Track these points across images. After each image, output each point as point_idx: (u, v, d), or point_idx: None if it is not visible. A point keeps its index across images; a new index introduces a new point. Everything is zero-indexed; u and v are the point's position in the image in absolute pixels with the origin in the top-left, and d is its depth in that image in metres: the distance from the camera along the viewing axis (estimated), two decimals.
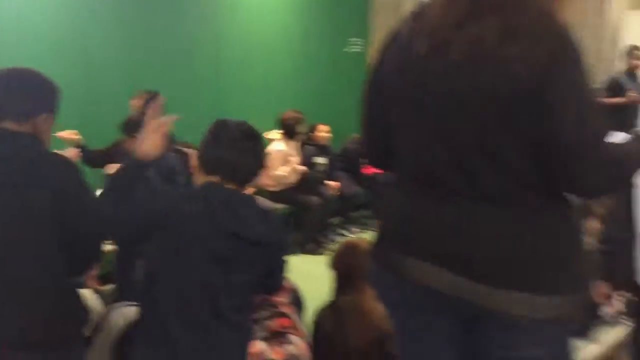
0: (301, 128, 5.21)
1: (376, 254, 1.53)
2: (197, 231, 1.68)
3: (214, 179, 1.75)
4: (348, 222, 5.57)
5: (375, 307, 2.07)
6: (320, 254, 4.86)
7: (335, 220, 5.51)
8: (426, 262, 1.37)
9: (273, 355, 2.03)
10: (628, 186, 2.27)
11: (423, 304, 1.44)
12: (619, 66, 6.32)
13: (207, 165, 1.78)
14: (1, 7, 4.04)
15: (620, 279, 2.77)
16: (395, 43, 1.45)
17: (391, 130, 1.47)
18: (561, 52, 1.26)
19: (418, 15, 1.43)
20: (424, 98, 1.37)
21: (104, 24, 4.50)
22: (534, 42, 1.25)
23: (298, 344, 2.08)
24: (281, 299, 2.16)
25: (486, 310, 1.33)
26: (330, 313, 2.23)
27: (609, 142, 1.31)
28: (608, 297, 3.11)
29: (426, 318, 1.47)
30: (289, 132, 5.11)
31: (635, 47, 6.17)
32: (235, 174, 1.76)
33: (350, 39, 6.22)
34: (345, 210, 5.61)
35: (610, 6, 6.59)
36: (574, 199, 1.40)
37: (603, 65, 6.30)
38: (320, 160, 5.48)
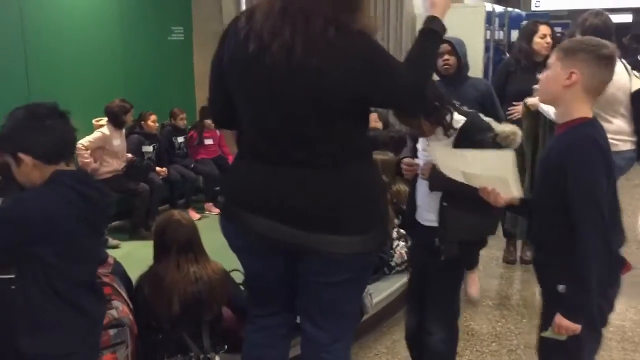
0: (128, 117, 5.27)
1: (225, 211, 1.96)
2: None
3: (59, 166, 1.77)
4: (178, 207, 5.73)
5: (182, 275, 2.39)
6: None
7: (165, 206, 5.65)
8: (262, 215, 1.80)
9: None
10: None
11: (261, 248, 1.89)
12: None
13: (49, 156, 1.75)
14: None
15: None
16: (232, 36, 1.81)
17: (232, 105, 1.87)
18: (363, 48, 1.70)
19: (250, 16, 1.78)
20: (253, 89, 1.78)
21: None
22: (337, 54, 1.68)
23: (120, 308, 2.29)
24: (102, 270, 2.35)
25: (306, 249, 1.81)
26: (148, 279, 2.44)
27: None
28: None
29: (265, 258, 1.93)
30: (115, 121, 5.15)
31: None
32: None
33: (173, 28, 6.32)
34: (174, 195, 5.79)
35: (409, 3, 7.39)
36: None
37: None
38: (148, 148, 5.60)
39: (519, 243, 4.47)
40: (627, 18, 14.21)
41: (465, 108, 2.44)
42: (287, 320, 2.12)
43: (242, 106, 1.86)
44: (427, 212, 2.41)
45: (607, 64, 1.87)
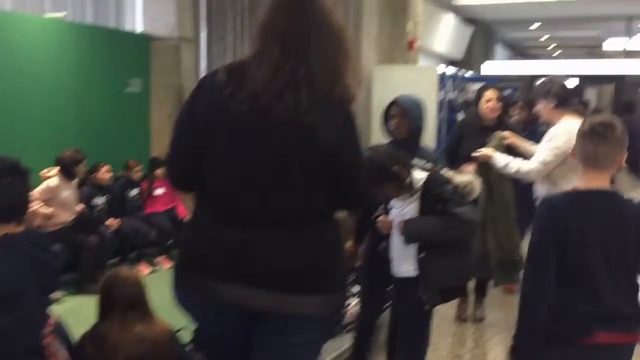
0: (80, 168, 5.17)
1: (184, 280, 1.81)
2: None
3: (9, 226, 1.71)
4: (129, 260, 5.60)
5: (126, 335, 2.30)
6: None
7: (116, 259, 5.50)
8: (236, 282, 1.71)
9: None
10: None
11: (228, 314, 1.78)
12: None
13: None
14: None
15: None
16: (209, 92, 1.75)
17: (199, 163, 1.75)
18: (345, 121, 1.75)
19: (236, 74, 1.73)
20: (242, 146, 1.71)
21: None
22: (327, 117, 1.70)
23: None
24: (44, 330, 2.24)
25: (280, 311, 1.74)
26: (90, 338, 2.35)
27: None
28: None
29: (229, 324, 1.81)
30: (67, 171, 5.05)
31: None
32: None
33: (130, 80, 6.31)
34: (126, 248, 5.65)
35: (362, 64, 7.61)
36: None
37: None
38: (100, 200, 5.49)
39: (471, 300, 4.50)
40: (573, 82, 14.94)
41: (424, 163, 2.76)
42: None
43: (220, 166, 1.75)
44: (403, 263, 2.73)
45: None
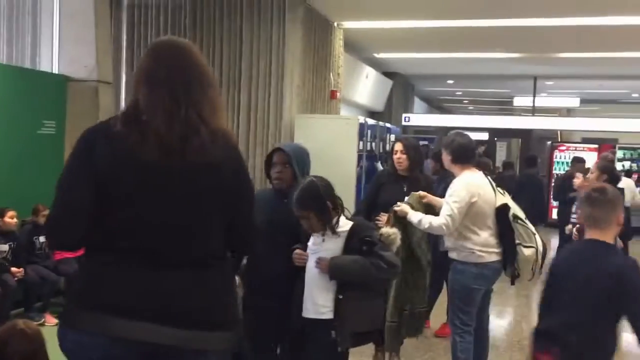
0: None
1: (80, 320, 1.75)
2: None
3: None
4: (33, 310, 5.28)
5: None
6: None
7: (20, 310, 5.18)
8: (142, 320, 1.71)
9: None
10: None
11: (127, 355, 1.74)
12: None
13: None
14: None
15: None
16: (109, 144, 1.74)
17: (96, 216, 1.74)
18: (240, 160, 1.92)
19: (132, 124, 1.75)
20: (157, 193, 1.75)
21: None
22: (227, 156, 1.83)
23: None
24: None
25: (176, 346, 1.75)
26: None
27: None
28: None
29: None
30: None
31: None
32: None
33: (45, 121, 6.09)
34: (31, 298, 5.33)
35: (286, 111, 7.74)
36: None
37: None
38: (4, 247, 5.18)
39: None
40: (484, 136, 15.74)
41: (348, 214, 2.89)
42: None
43: (135, 213, 1.75)
44: (315, 304, 2.74)
45: None
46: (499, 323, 5.63)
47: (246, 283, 2.96)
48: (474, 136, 5.98)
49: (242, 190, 1.92)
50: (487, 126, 15.78)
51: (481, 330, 3.94)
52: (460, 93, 19.97)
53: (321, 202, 2.71)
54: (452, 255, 3.82)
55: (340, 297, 2.70)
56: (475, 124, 16.27)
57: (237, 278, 2.72)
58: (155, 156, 1.73)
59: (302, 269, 2.84)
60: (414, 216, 3.75)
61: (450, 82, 16.68)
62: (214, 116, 1.84)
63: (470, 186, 3.68)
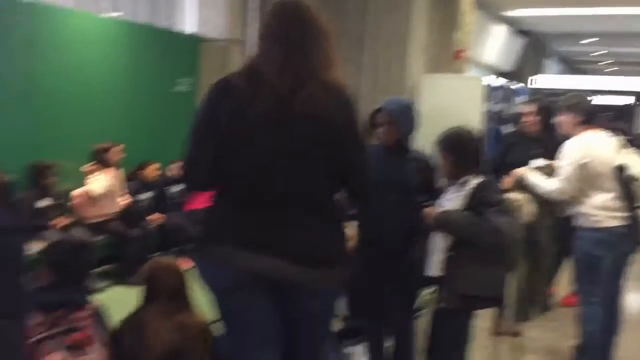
0: (111, 155, 5.29)
1: (213, 254, 2.00)
2: None
3: None
4: (170, 255, 5.70)
5: (166, 323, 2.37)
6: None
7: (157, 254, 5.62)
8: (265, 255, 1.93)
9: None
10: None
11: (250, 285, 1.97)
12: None
13: None
14: None
15: None
16: (230, 97, 1.93)
17: (220, 163, 1.95)
18: (351, 112, 1.98)
19: (251, 77, 1.94)
20: (266, 141, 1.91)
21: None
22: (337, 108, 1.93)
23: (99, 352, 2.26)
24: (82, 314, 2.34)
25: (294, 281, 1.96)
26: (129, 325, 2.42)
27: None
28: None
29: (254, 295, 2.00)
30: (102, 161, 5.21)
31: None
32: None
33: (179, 79, 6.46)
34: (168, 243, 5.77)
35: (409, 72, 7.59)
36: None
37: None
38: (145, 195, 5.63)
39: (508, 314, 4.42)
40: (629, 99, 14.59)
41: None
42: None
43: (250, 160, 1.94)
44: (435, 261, 2.74)
45: None
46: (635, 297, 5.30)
47: (359, 236, 3.00)
48: (615, 100, 5.53)
49: (352, 141, 2.00)
50: (633, 89, 14.54)
51: (611, 301, 3.72)
52: (599, 53, 18.49)
53: (462, 150, 2.74)
54: (575, 221, 3.63)
55: (451, 254, 2.68)
56: (618, 87, 15.03)
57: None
58: (267, 107, 1.89)
59: (421, 227, 2.83)
60: (532, 178, 3.59)
61: (587, 41, 15.46)
62: (327, 69, 1.96)
63: (582, 146, 3.46)
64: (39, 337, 2.20)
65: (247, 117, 1.92)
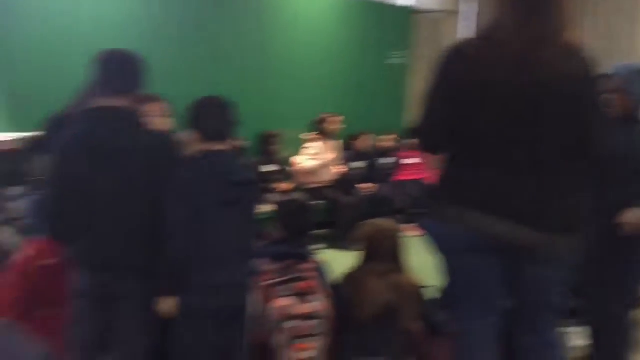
0: (332, 125, 5.56)
1: (445, 213, 2.04)
2: None
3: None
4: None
5: (382, 282, 2.47)
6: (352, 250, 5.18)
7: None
8: (503, 218, 1.93)
9: (295, 311, 2.41)
10: None
11: (484, 247, 1.99)
12: None
13: None
14: (81, 4, 4.46)
15: None
16: (463, 63, 1.96)
17: (452, 127, 1.98)
18: (588, 72, 1.94)
19: (484, 40, 1.96)
20: (508, 103, 1.90)
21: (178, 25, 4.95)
22: (579, 63, 1.92)
23: (322, 301, 2.46)
24: (307, 266, 2.55)
25: (531, 248, 1.94)
26: (349, 281, 2.59)
27: None
28: None
29: (487, 257, 2.02)
30: (322, 132, 5.52)
31: None
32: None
33: (392, 52, 6.56)
34: (377, 212, 5.95)
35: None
36: None
37: None
38: (358, 164, 5.88)
39: None
40: None
41: None
42: (497, 324, 2.13)
43: (487, 124, 1.94)
44: None
45: None
46: None
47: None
48: None
49: (591, 100, 1.96)
50: None
51: None
52: None
53: None
54: None
55: None
56: None
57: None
58: (507, 71, 1.87)
59: None
60: None
61: None
62: (565, 27, 1.92)
63: None
64: (271, 282, 2.45)
65: (477, 81, 1.92)
